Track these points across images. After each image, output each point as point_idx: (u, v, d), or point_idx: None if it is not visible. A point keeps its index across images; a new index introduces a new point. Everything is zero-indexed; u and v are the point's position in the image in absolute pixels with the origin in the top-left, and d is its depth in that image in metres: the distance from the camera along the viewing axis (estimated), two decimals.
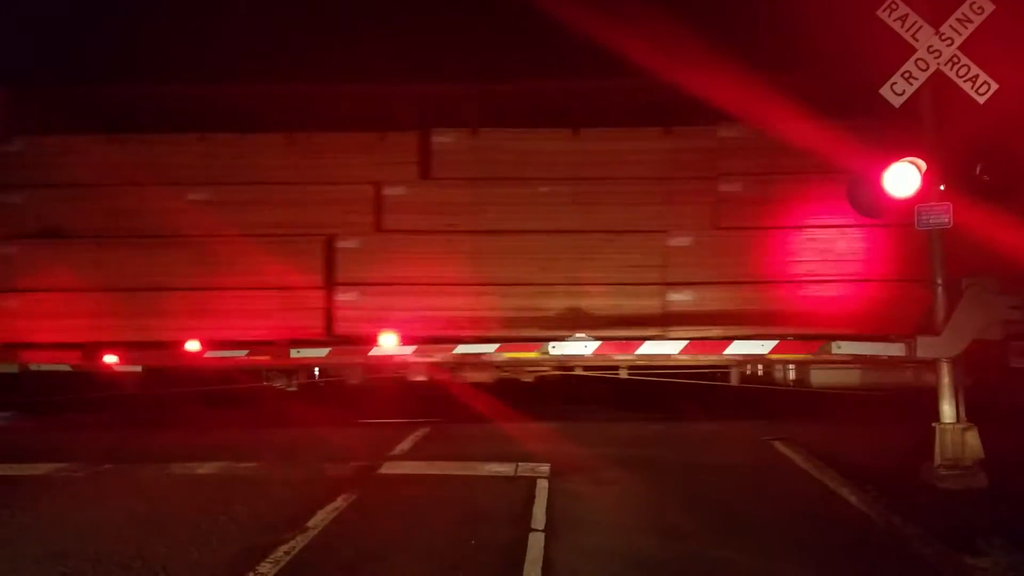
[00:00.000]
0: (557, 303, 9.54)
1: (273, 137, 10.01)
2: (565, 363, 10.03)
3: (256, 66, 10.84)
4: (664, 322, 9.40)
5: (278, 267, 9.52)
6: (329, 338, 9.64)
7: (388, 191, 9.82)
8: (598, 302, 9.49)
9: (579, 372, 10.40)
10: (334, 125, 10.13)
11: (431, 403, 10.68)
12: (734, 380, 10.30)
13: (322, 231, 9.68)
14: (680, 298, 9.46)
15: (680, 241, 9.58)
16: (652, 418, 10.13)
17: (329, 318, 9.64)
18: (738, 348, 9.17)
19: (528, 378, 10.61)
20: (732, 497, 6.44)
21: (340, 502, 6.09)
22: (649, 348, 9.34)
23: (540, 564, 4.67)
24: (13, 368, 10.29)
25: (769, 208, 9.44)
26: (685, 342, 9.28)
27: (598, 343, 9.32)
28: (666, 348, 9.36)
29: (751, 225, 9.46)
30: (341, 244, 9.68)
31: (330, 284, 9.64)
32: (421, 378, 10.30)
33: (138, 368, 10.07)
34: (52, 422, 10.91)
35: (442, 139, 10.02)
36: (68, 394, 11.92)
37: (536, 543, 5.07)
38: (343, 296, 9.63)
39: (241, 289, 9.63)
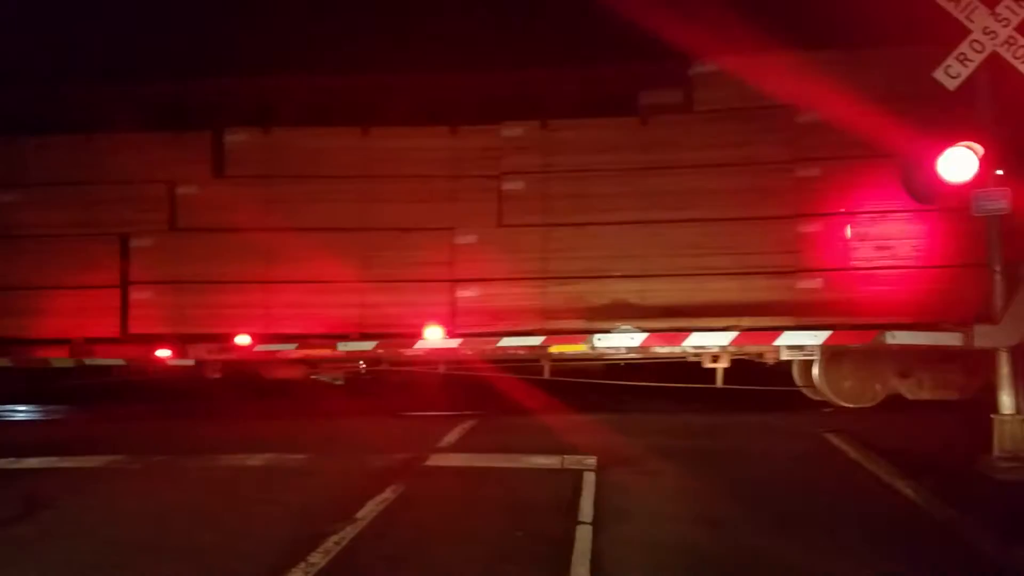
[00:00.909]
0: (346, 299, 9.88)
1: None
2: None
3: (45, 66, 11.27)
4: (452, 316, 9.73)
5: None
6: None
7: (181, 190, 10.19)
8: (384, 298, 9.84)
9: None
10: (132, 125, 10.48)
11: (477, 396, 10.72)
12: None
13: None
14: (469, 294, 9.78)
15: (466, 239, 9.82)
16: (699, 409, 10.00)
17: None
18: (791, 338, 9.10)
19: (339, 379, 10.75)
20: (783, 489, 6.33)
21: (388, 494, 6.12)
22: (697, 339, 9.27)
23: (588, 556, 4.64)
24: (70, 363, 10.64)
25: (552, 204, 9.75)
26: (736, 333, 9.19)
27: (645, 335, 9.37)
28: (717, 340, 9.29)
29: (533, 223, 9.74)
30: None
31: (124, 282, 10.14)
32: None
33: (191, 362, 10.33)
34: (107, 415, 11.21)
35: (235, 138, 10.31)
36: (123, 387, 12.29)
37: (584, 535, 5.05)
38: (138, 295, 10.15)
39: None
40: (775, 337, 9.18)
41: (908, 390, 9.54)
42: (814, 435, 8.26)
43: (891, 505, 5.83)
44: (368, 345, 9.92)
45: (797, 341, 9.12)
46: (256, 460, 7.56)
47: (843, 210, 9.25)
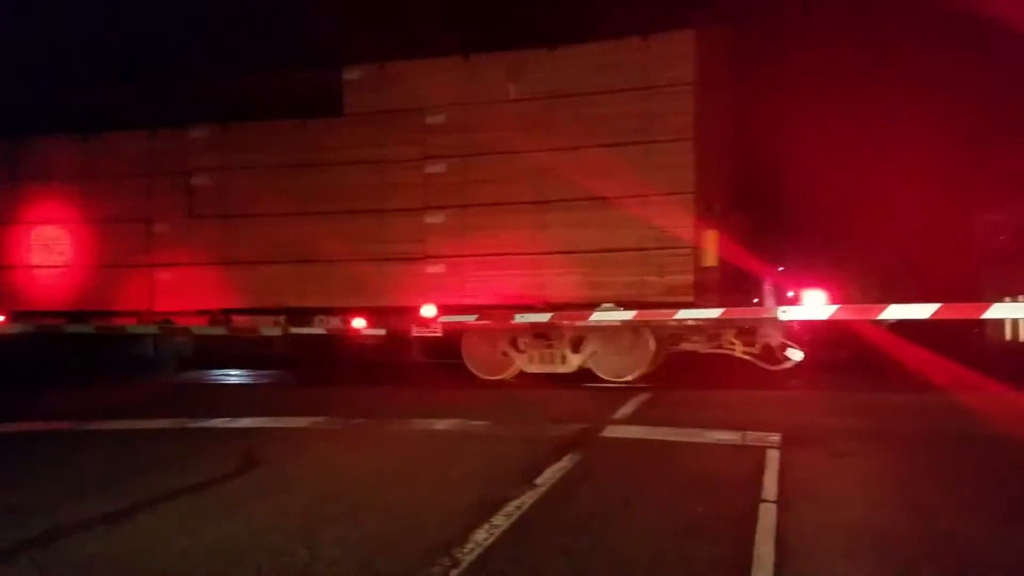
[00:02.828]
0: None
1: None
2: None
3: None
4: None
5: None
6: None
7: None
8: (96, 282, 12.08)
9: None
10: None
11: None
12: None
13: None
14: (164, 278, 11.86)
15: (161, 228, 11.90)
16: (890, 387, 9.38)
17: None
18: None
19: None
20: (994, 474, 5.81)
21: (566, 462, 6.24)
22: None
23: (773, 536, 4.49)
24: (276, 331, 11.62)
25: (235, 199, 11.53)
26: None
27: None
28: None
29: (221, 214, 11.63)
30: None
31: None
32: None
33: (382, 331, 11.00)
34: (310, 380, 12.15)
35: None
36: (323, 355, 13.29)
37: (768, 514, 4.90)
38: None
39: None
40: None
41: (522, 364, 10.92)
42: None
43: None
44: (544, 316, 10.11)
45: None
46: (442, 425, 7.94)
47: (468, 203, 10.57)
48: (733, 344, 10.33)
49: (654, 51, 9.79)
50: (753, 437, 6.98)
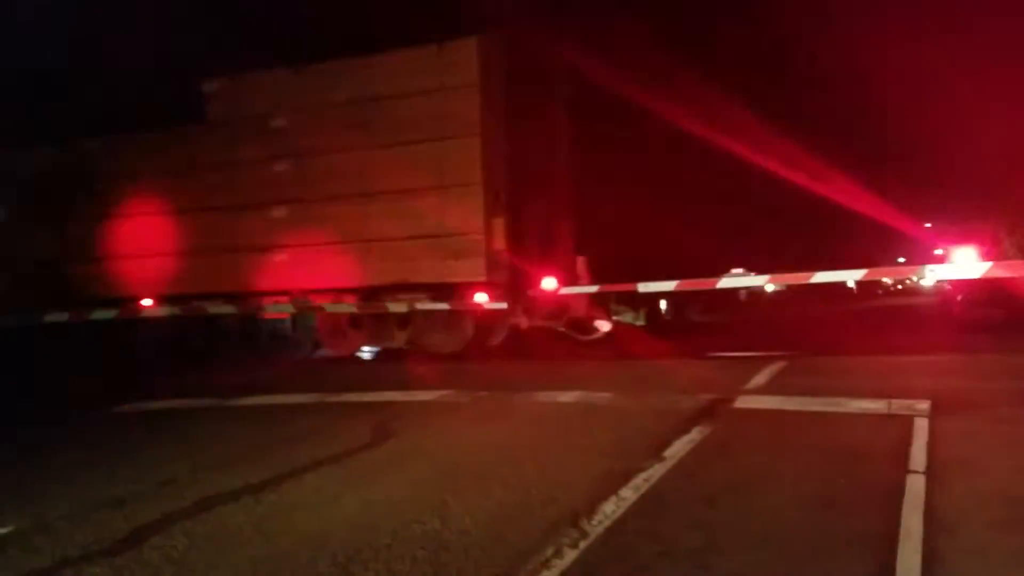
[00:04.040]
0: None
1: None
2: None
3: None
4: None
5: None
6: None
7: None
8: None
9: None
10: None
11: (785, 335, 10.23)
12: None
13: None
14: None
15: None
16: None
17: None
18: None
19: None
20: None
21: (695, 434, 6.08)
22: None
23: (922, 507, 4.21)
24: (403, 308, 11.92)
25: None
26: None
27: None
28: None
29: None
30: None
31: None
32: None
33: (503, 305, 11.10)
34: (437, 353, 12.40)
35: None
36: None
37: (915, 485, 4.59)
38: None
39: None
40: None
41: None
42: None
43: None
44: (669, 285, 9.91)
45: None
46: (567, 397, 7.91)
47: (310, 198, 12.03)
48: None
49: (447, 57, 11.08)
50: (900, 405, 6.57)
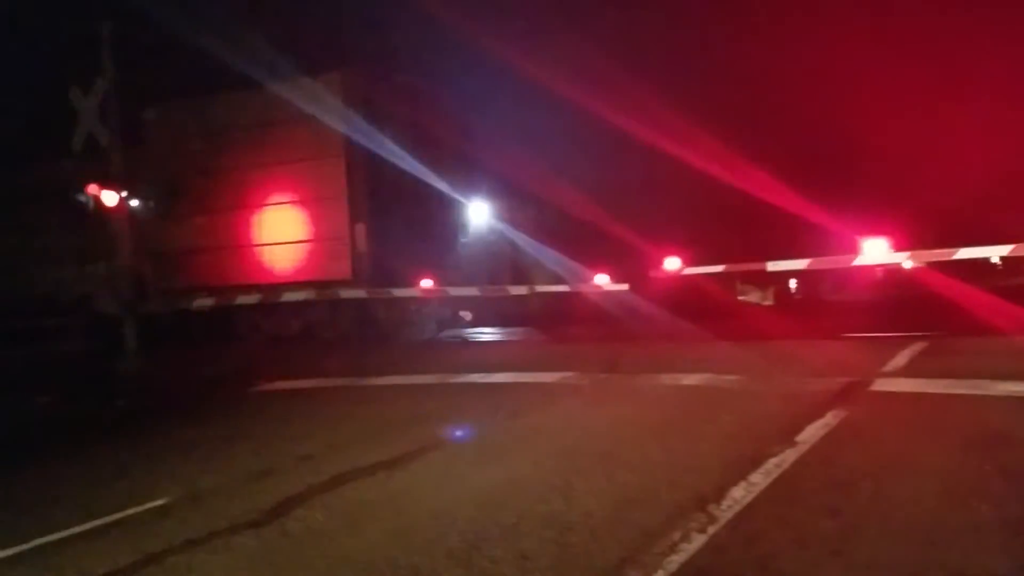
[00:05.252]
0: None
1: None
2: None
3: None
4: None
5: None
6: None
7: None
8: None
9: None
10: None
11: (923, 315, 9.65)
12: None
13: None
14: None
15: None
16: None
17: None
18: None
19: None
20: None
21: (830, 418, 5.83)
22: None
23: None
24: (524, 290, 12.05)
25: None
26: None
27: None
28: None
29: None
30: None
31: None
32: None
33: (625, 286, 11.02)
34: (557, 336, 12.46)
35: None
36: (566, 311, 13.56)
37: None
38: None
39: None
40: None
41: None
42: None
43: None
44: (800, 263, 9.53)
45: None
46: (691, 380, 7.77)
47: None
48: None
49: (320, 87, 13.33)
50: None
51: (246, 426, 7.39)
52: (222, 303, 14.12)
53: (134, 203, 12.86)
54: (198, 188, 14.59)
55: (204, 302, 14.23)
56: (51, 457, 6.80)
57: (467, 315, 14.09)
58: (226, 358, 12.56)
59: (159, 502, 5.01)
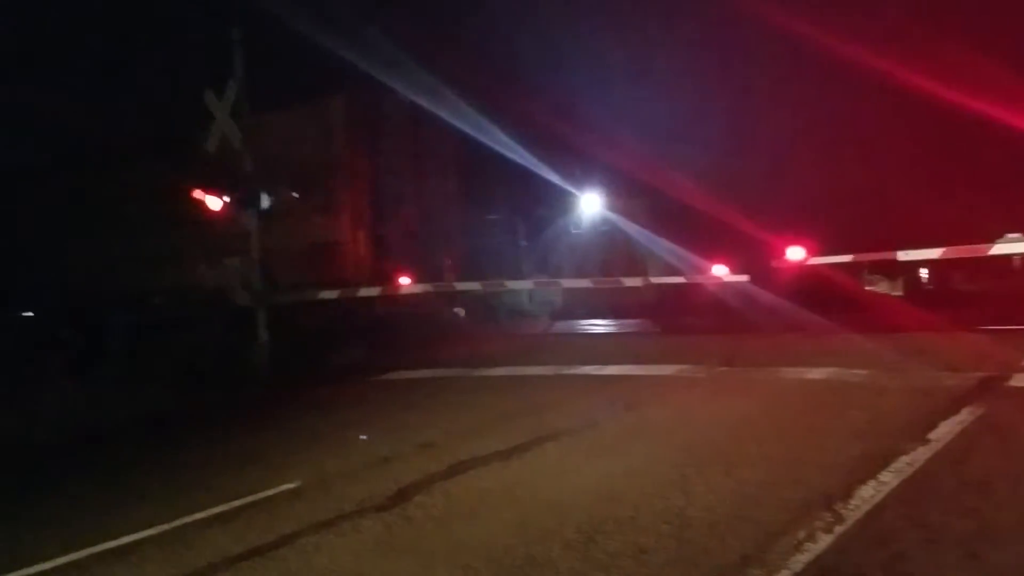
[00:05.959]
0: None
1: None
2: None
3: None
4: None
5: None
6: None
7: None
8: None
9: None
10: None
11: None
12: None
13: None
14: None
15: None
16: None
17: None
18: None
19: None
20: None
21: (965, 416, 5.52)
22: None
23: None
24: (638, 282, 11.95)
25: None
26: None
27: None
28: None
29: None
30: None
31: None
32: None
33: (744, 278, 10.77)
34: (672, 328, 12.28)
35: None
36: (682, 303, 13.36)
37: None
38: None
39: None
40: None
41: None
42: None
43: None
44: (933, 252, 9.03)
45: None
46: (816, 374, 7.51)
47: None
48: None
49: (323, 111, 14.25)
50: None
51: (369, 413, 7.69)
52: (345, 295, 14.65)
53: (264, 202, 13.50)
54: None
55: (328, 294, 14.81)
56: (193, 442, 7.31)
57: (460, 312, 14.96)
58: (349, 348, 13.04)
59: (291, 485, 5.29)
